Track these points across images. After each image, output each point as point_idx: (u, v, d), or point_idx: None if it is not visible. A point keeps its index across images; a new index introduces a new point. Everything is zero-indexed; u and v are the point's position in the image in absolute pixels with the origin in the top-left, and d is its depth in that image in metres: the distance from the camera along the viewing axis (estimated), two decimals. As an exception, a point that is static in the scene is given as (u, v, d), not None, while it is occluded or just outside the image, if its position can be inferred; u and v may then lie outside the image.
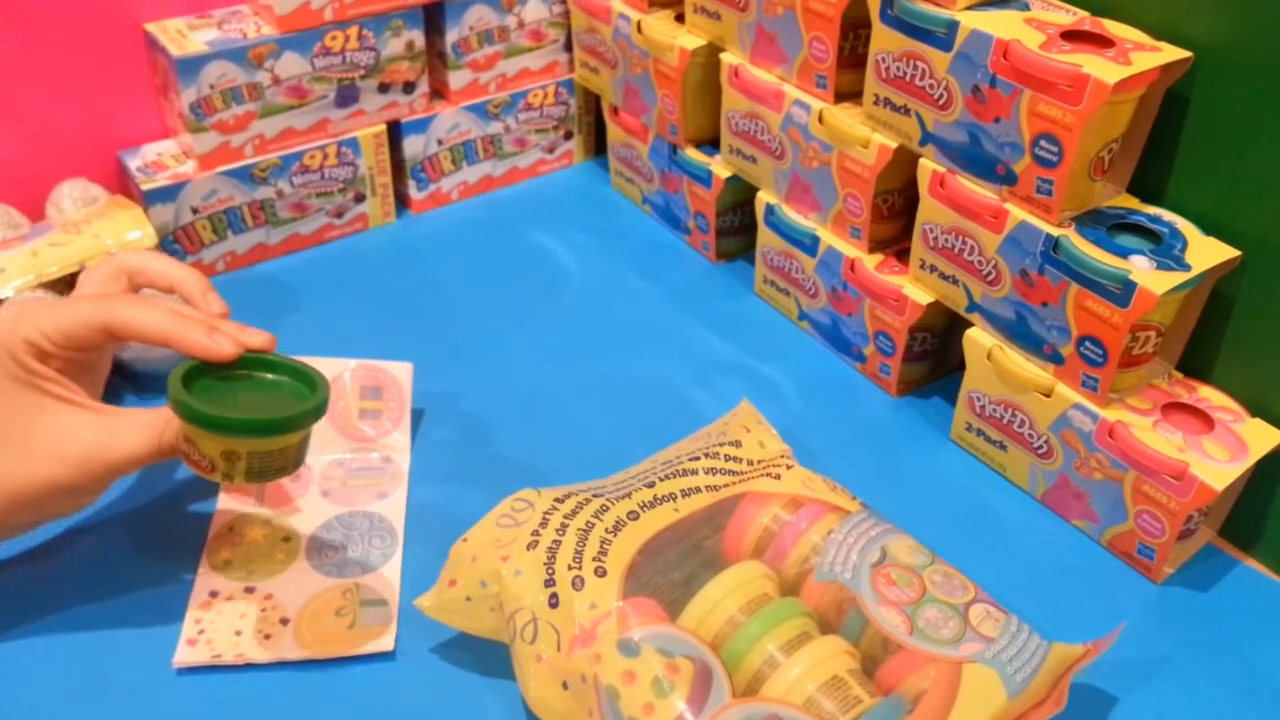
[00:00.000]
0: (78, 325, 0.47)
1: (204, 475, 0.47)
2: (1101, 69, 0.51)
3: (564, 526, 0.50)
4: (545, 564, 0.48)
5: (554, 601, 0.47)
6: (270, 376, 0.49)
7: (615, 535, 0.50)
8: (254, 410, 0.46)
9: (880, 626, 0.47)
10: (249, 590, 0.55)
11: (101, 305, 0.47)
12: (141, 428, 0.48)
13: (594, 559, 0.48)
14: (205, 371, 0.47)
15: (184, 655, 0.52)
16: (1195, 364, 0.59)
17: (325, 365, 0.63)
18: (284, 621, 0.53)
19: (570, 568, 0.48)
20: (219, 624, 0.53)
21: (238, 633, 0.53)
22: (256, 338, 0.49)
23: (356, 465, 0.62)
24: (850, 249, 0.69)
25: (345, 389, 0.63)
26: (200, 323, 0.48)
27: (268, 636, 0.53)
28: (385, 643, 0.53)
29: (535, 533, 0.50)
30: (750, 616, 0.47)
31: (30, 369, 0.46)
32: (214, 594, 0.55)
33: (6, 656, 0.52)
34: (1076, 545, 0.60)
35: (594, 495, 0.52)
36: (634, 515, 0.51)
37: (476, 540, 0.51)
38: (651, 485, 0.53)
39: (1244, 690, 0.53)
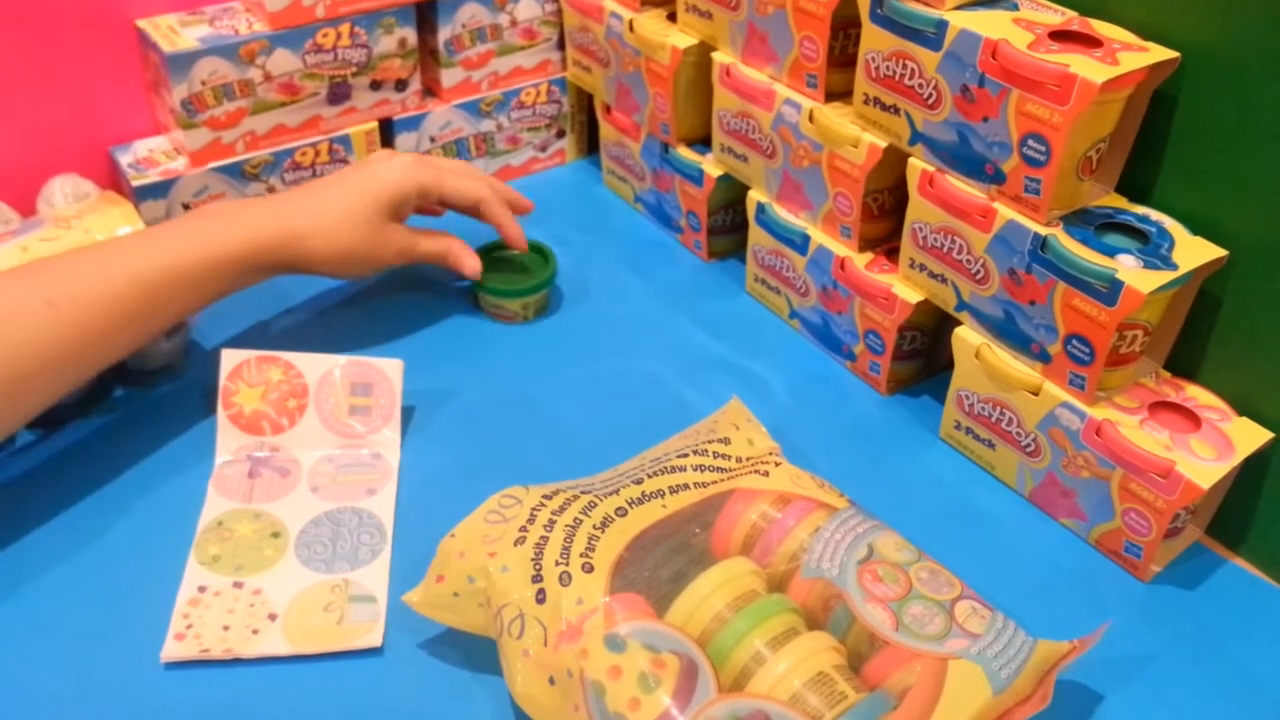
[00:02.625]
0: (450, 196, 0.71)
1: (505, 321, 0.75)
2: (1089, 69, 0.52)
3: (551, 523, 0.50)
4: (532, 560, 0.48)
5: (541, 597, 0.47)
6: (515, 253, 0.77)
7: (603, 531, 0.50)
8: (527, 278, 0.75)
9: (866, 623, 0.48)
10: (237, 585, 0.55)
11: (477, 182, 0.73)
12: (435, 247, 0.72)
13: (581, 555, 0.48)
14: (484, 254, 0.74)
15: (172, 650, 0.52)
16: (1183, 363, 0.60)
17: (314, 362, 0.63)
18: (272, 617, 0.53)
19: (557, 564, 0.48)
20: (207, 619, 0.53)
21: (226, 628, 0.53)
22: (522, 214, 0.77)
23: (346, 461, 0.62)
24: (840, 248, 0.69)
25: (335, 385, 0.63)
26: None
27: (255, 632, 0.53)
28: (373, 639, 0.53)
29: (523, 529, 0.50)
30: (737, 612, 0.47)
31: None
32: (202, 589, 0.55)
33: (-6, 651, 0.52)
34: (1064, 543, 0.60)
35: (582, 492, 0.52)
36: (622, 512, 0.51)
37: (464, 536, 0.51)
38: (640, 482, 0.53)
39: (1229, 688, 0.53)
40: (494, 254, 0.76)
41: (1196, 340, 0.59)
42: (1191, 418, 0.57)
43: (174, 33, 0.73)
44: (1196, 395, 0.58)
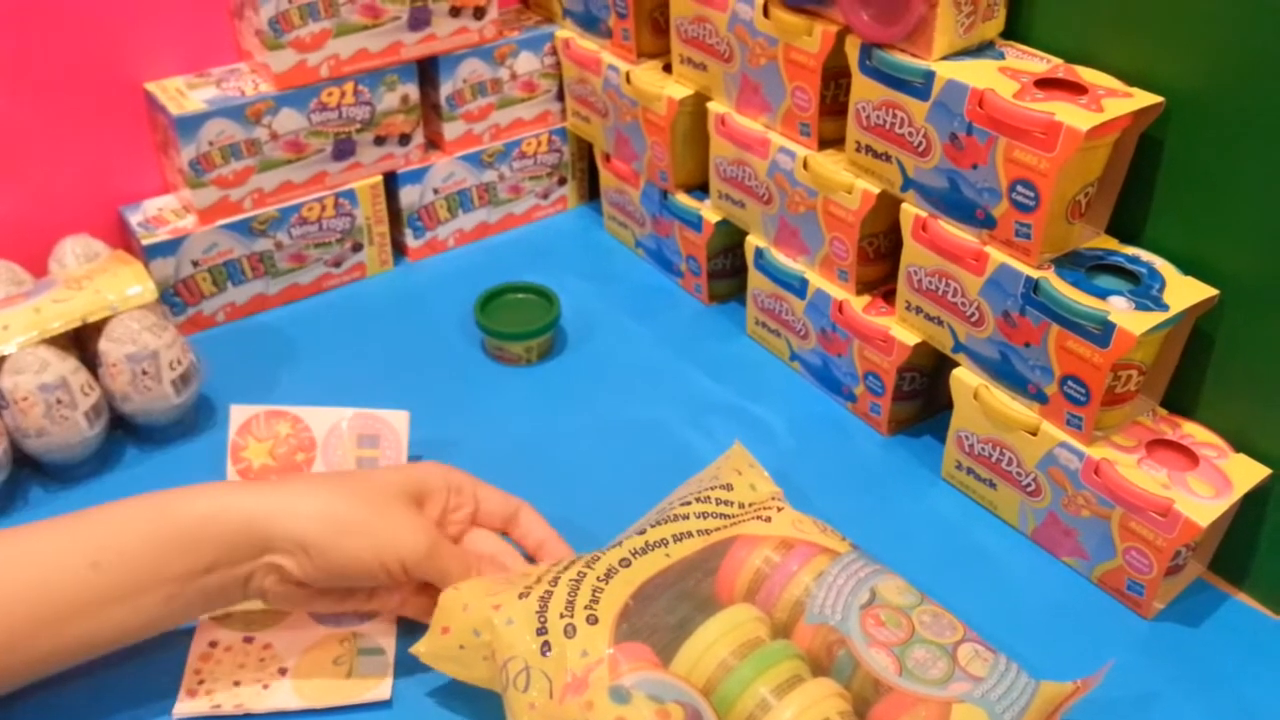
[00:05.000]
0: (484, 499, 0.59)
1: (509, 364, 0.76)
2: (1074, 116, 0.53)
3: (556, 577, 0.50)
4: (537, 612, 0.49)
5: (546, 649, 0.48)
6: (521, 295, 0.79)
7: (607, 583, 0.50)
8: (531, 322, 0.76)
9: (870, 668, 0.48)
10: (248, 640, 0.56)
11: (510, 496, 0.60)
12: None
13: (586, 607, 0.49)
14: (489, 299, 0.78)
15: (184, 706, 0.52)
16: (1179, 400, 0.60)
17: (322, 414, 0.64)
18: (282, 671, 0.54)
19: (562, 616, 0.49)
20: (218, 674, 0.54)
21: (237, 683, 0.53)
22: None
23: (354, 514, 0.63)
24: (838, 291, 0.70)
25: (343, 438, 0.64)
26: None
27: (266, 686, 0.53)
28: (382, 691, 0.53)
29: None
30: (742, 660, 0.48)
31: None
32: (213, 644, 0.55)
33: (5, 710, 0.53)
34: (1067, 582, 0.61)
35: (586, 542, 0.53)
36: (626, 562, 0.52)
37: (469, 589, 0.51)
38: (643, 531, 0.54)
39: (1235, 725, 0.53)
40: (499, 297, 0.78)
41: (1192, 378, 0.59)
42: (1189, 455, 0.57)
43: (182, 95, 0.74)
44: (1194, 432, 0.59)
